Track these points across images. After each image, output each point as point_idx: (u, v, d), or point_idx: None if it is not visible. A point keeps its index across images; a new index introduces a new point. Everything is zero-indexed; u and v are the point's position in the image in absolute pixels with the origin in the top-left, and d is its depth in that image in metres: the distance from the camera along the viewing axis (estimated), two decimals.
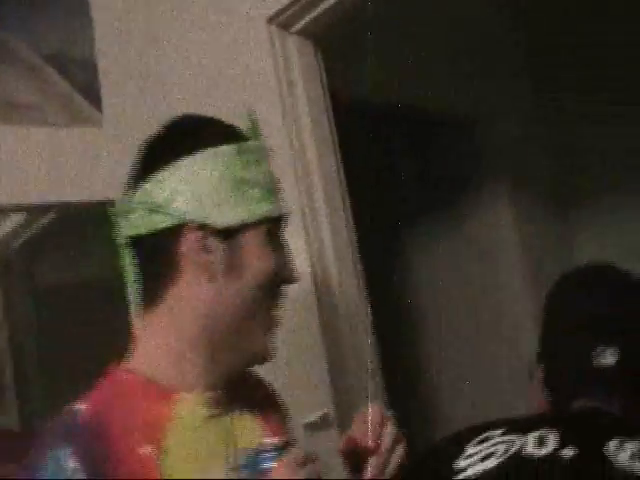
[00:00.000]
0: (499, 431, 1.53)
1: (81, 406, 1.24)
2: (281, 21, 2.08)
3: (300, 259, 1.96)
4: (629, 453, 1.42)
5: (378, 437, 1.30)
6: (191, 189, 1.25)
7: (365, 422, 1.30)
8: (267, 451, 1.24)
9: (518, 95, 3.52)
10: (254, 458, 1.25)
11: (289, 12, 2.06)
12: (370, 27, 2.18)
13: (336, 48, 2.19)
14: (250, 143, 1.31)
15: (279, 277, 1.31)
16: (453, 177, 3.45)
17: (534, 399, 1.62)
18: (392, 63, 2.88)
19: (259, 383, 1.45)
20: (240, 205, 1.27)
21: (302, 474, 1.18)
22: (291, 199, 1.79)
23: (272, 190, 1.31)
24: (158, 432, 1.24)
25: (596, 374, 1.51)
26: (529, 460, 1.46)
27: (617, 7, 3.15)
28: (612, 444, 1.43)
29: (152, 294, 1.30)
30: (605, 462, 1.41)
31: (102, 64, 2.11)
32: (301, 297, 2.04)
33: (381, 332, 2.14)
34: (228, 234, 1.27)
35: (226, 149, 1.28)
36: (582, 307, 1.58)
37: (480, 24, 3.28)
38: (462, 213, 3.45)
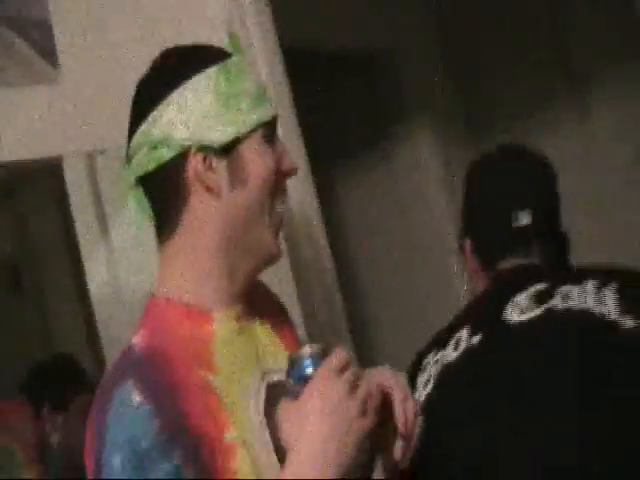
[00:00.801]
0: (430, 354, 1.71)
1: (135, 341, 1.32)
2: None
3: None
4: (527, 297, 1.65)
5: (408, 423, 1.33)
6: (185, 117, 1.33)
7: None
8: (307, 358, 1.27)
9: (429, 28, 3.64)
10: (297, 364, 1.28)
11: None
12: None
13: None
14: (232, 59, 1.39)
15: (280, 173, 1.40)
16: (377, 113, 3.57)
17: (468, 269, 1.85)
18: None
19: (264, 290, 1.54)
20: (233, 119, 1.35)
21: (340, 382, 1.23)
22: None
23: (259, 97, 1.39)
24: (207, 353, 1.31)
25: (516, 234, 1.73)
26: (449, 366, 1.65)
27: None
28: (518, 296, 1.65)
29: (168, 224, 1.38)
30: (503, 327, 1.64)
31: (56, 22, 2.15)
32: None
33: None
34: (227, 149, 1.35)
35: (211, 71, 1.36)
36: (499, 178, 1.81)
37: None
38: (388, 147, 3.58)
